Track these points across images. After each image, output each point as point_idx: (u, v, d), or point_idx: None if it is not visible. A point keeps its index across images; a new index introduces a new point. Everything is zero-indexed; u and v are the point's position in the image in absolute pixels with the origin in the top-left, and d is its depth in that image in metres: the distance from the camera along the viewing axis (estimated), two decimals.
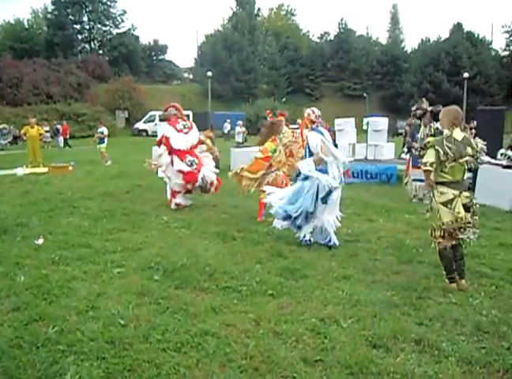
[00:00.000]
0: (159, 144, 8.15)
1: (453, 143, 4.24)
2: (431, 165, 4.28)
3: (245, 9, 57.28)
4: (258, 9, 62.30)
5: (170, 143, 7.83)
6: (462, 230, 4.29)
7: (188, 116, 35.67)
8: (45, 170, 13.43)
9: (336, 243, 5.68)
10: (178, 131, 7.95)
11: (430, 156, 4.30)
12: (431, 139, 4.75)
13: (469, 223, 4.29)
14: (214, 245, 5.66)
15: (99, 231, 6.28)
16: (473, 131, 16.45)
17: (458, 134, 4.31)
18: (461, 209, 4.27)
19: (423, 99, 8.96)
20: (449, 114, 4.39)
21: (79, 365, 2.95)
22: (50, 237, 5.93)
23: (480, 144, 4.40)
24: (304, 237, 5.76)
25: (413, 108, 8.82)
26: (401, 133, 24.32)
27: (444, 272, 4.42)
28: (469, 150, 4.28)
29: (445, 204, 4.29)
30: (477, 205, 4.47)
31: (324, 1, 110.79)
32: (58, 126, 26.45)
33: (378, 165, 11.82)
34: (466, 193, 4.38)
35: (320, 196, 5.60)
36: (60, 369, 2.92)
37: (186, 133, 8.00)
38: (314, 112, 5.87)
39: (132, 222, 6.85)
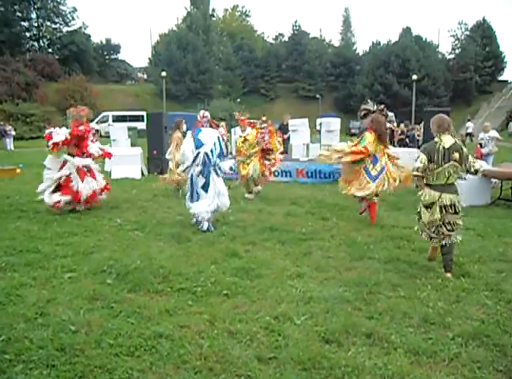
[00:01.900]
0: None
1: (438, 149, 4.60)
2: (418, 170, 4.70)
3: (199, 9, 56.93)
4: (213, 10, 62.24)
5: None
6: (440, 229, 4.71)
7: (142, 116, 35.26)
8: None
9: (211, 228, 6.47)
10: None
11: (418, 162, 4.69)
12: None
13: (449, 223, 4.68)
14: (169, 247, 5.61)
15: (48, 236, 6.09)
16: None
17: (447, 141, 4.64)
18: (437, 212, 4.66)
19: (368, 100, 9.18)
20: (434, 123, 4.76)
21: (27, 374, 2.87)
22: None
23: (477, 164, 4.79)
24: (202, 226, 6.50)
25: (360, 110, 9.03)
26: (355, 134, 24.86)
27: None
28: (456, 155, 4.60)
29: (427, 206, 4.74)
30: (459, 207, 4.74)
31: (278, 4, 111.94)
32: (6, 128, 25.39)
33: (331, 165, 12.03)
34: (449, 196, 4.65)
35: (200, 185, 6.57)
36: (7, 378, 2.83)
37: None
38: (199, 114, 6.99)
39: (84, 225, 6.69)
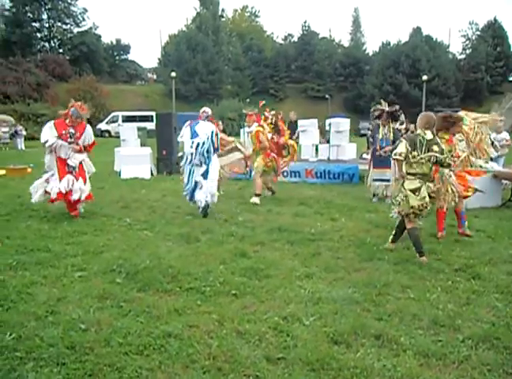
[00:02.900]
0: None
1: (422, 141, 5.12)
2: (401, 155, 5.11)
3: (209, 9, 57.15)
4: (222, 10, 62.44)
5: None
6: (424, 212, 5.22)
7: (152, 117, 35.41)
8: (2, 172, 12.99)
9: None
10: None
11: (401, 148, 5.14)
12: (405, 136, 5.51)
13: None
14: (178, 247, 5.62)
15: (59, 235, 6.13)
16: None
17: (428, 135, 5.20)
18: (426, 195, 5.14)
19: (382, 100, 9.16)
20: (423, 119, 5.30)
21: (38, 372, 2.89)
22: (7, 241, 5.75)
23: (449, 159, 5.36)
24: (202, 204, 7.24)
25: (371, 109, 9.01)
26: (364, 134, 24.75)
27: (414, 249, 5.20)
28: (435, 148, 5.16)
29: (413, 191, 5.13)
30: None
31: (287, 4, 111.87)
32: (17, 128, 25.66)
33: (340, 165, 12.02)
34: (430, 184, 5.26)
35: (201, 173, 7.29)
36: (18, 376, 2.85)
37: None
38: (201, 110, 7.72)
39: (94, 224, 6.73)
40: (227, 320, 3.61)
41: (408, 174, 5.19)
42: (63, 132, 7.03)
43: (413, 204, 5.11)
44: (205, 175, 7.28)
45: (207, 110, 7.66)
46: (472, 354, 3.16)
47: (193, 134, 7.23)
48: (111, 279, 4.47)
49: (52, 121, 7.22)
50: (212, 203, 7.37)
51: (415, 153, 5.08)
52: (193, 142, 7.16)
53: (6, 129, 25.00)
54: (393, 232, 5.61)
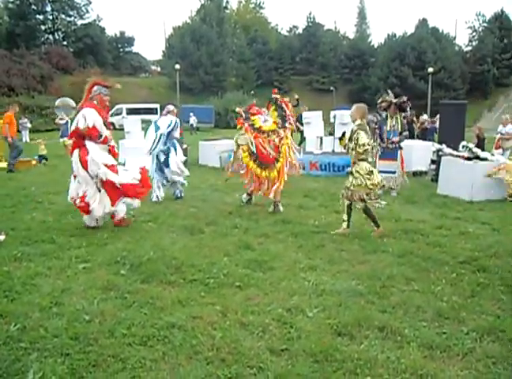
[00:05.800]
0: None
1: (367, 131, 5.75)
2: (369, 144, 5.64)
3: (213, 1, 56.89)
4: (227, 2, 62.12)
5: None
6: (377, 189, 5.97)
7: (156, 109, 35.06)
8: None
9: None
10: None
11: (365, 139, 5.60)
12: (355, 127, 5.83)
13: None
14: (181, 239, 5.63)
15: (63, 226, 6.15)
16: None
17: (365, 125, 5.83)
18: (377, 175, 5.81)
19: (388, 91, 9.07)
20: (359, 111, 5.82)
21: (42, 362, 2.90)
22: (12, 233, 5.76)
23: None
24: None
25: (378, 101, 8.94)
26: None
27: (373, 223, 5.91)
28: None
29: (368, 174, 5.72)
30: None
31: None
32: (22, 120, 25.69)
33: (344, 157, 11.94)
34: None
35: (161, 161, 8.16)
36: (22, 366, 2.87)
37: None
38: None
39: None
40: (231, 312, 3.61)
41: (361, 160, 5.73)
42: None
43: (374, 182, 5.73)
44: (166, 164, 8.12)
45: (169, 107, 8.72)
46: (476, 347, 3.15)
47: (156, 128, 8.26)
48: (115, 271, 4.48)
49: (92, 109, 5.79)
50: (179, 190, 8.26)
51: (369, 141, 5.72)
52: (156, 135, 8.14)
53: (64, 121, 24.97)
54: (345, 218, 6.00)
